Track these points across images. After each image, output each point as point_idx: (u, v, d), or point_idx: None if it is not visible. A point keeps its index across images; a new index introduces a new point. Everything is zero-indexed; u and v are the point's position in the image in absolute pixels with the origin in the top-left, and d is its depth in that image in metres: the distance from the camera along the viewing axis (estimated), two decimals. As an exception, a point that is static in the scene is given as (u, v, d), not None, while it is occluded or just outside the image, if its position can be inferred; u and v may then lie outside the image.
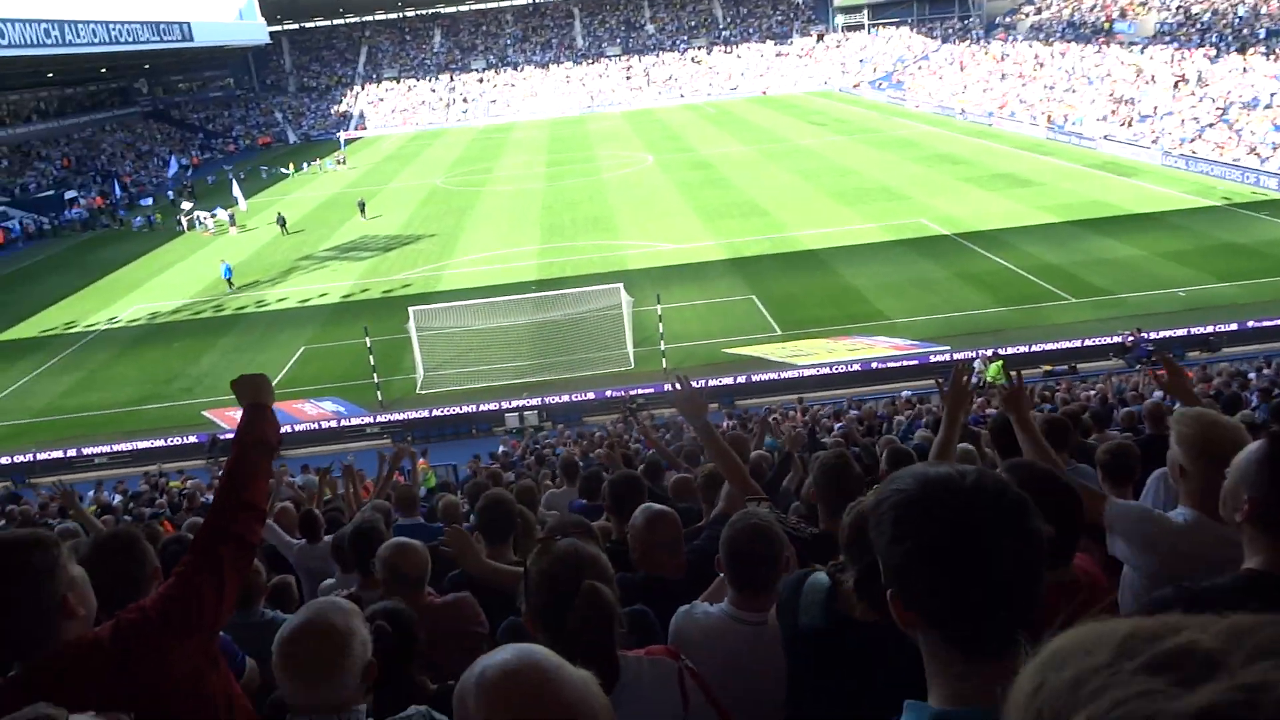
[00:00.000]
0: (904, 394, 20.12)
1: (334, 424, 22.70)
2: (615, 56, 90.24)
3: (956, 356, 21.95)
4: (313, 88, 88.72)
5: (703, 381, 22.54)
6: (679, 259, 31.76)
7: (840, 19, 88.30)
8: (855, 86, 77.19)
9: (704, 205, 39.42)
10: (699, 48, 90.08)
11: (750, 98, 78.89)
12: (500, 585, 3.88)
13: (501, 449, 18.06)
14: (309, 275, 34.48)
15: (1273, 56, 43.02)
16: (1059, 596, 2.37)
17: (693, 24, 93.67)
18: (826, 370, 22.71)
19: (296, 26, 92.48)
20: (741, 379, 22.62)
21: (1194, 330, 22.44)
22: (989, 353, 21.29)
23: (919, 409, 16.74)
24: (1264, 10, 48.31)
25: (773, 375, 22.71)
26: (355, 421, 22.74)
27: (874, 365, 22.74)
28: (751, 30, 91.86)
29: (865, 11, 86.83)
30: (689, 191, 42.56)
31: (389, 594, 3.79)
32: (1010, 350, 21.96)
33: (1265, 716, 0.38)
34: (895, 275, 28.02)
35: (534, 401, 22.82)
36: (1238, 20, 49.30)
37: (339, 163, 61.07)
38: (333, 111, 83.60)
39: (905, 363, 22.72)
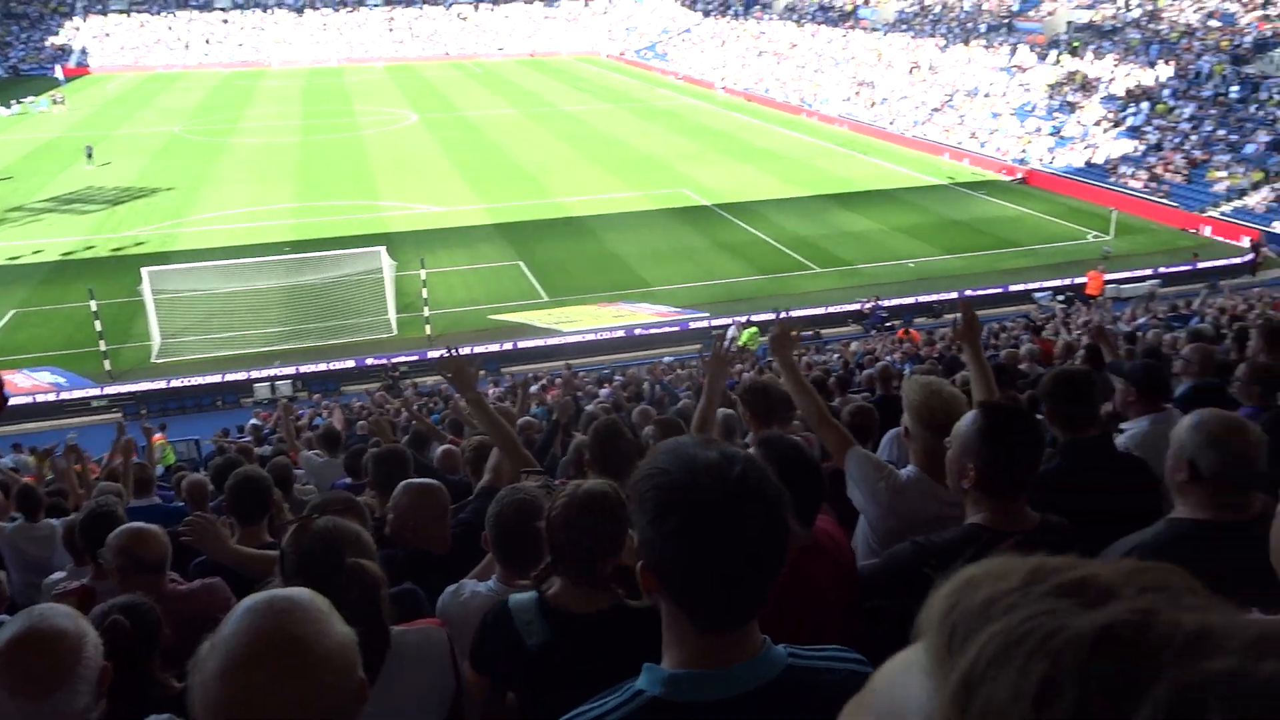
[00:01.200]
0: (665, 359, 20.80)
1: (52, 397, 20.42)
2: (376, 6, 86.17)
3: (715, 323, 22.97)
4: (22, 15, 78.38)
5: (469, 349, 22.27)
6: (444, 222, 31.01)
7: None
8: (621, 54, 78.18)
9: (470, 167, 38.67)
10: (465, 3, 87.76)
11: (517, 59, 77.98)
12: (251, 571, 3.65)
13: (253, 422, 16.97)
14: (20, 229, 30.65)
15: (992, 49, 47.72)
16: (805, 557, 2.54)
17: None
18: (593, 337, 23.06)
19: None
20: (508, 346, 22.51)
21: (920, 299, 24.66)
22: (744, 319, 22.39)
23: (678, 374, 17.37)
24: (985, 6, 53.43)
25: (540, 342, 22.77)
26: (78, 394, 20.56)
27: (637, 332, 23.33)
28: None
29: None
30: (454, 153, 41.58)
31: (125, 585, 3.46)
32: (762, 317, 23.16)
33: (1155, 634, 0.43)
34: (658, 244, 28.81)
35: (287, 370, 21.60)
36: (963, 14, 54.23)
37: (55, 103, 54.54)
38: (48, 44, 74.37)
39: (667, 329, 23.47)
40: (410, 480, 3.76)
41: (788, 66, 59.01)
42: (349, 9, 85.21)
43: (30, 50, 73.32)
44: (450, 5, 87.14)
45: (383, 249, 24.04)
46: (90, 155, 39.05)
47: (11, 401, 16.52)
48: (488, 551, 3.44)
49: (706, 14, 79.87)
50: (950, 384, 3.42)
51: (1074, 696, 0.43)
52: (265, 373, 21.46)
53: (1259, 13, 38.26)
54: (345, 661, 1.34)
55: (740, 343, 20.54)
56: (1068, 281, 25.15)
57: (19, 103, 53.91)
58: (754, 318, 22.66)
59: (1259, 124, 32.44)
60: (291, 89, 61.89)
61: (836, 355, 18.42)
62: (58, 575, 5.21)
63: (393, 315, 23.54)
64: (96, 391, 20.58)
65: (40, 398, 20.27)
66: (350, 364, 21.94)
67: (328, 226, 30.31)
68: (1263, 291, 21.56)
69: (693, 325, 23.41)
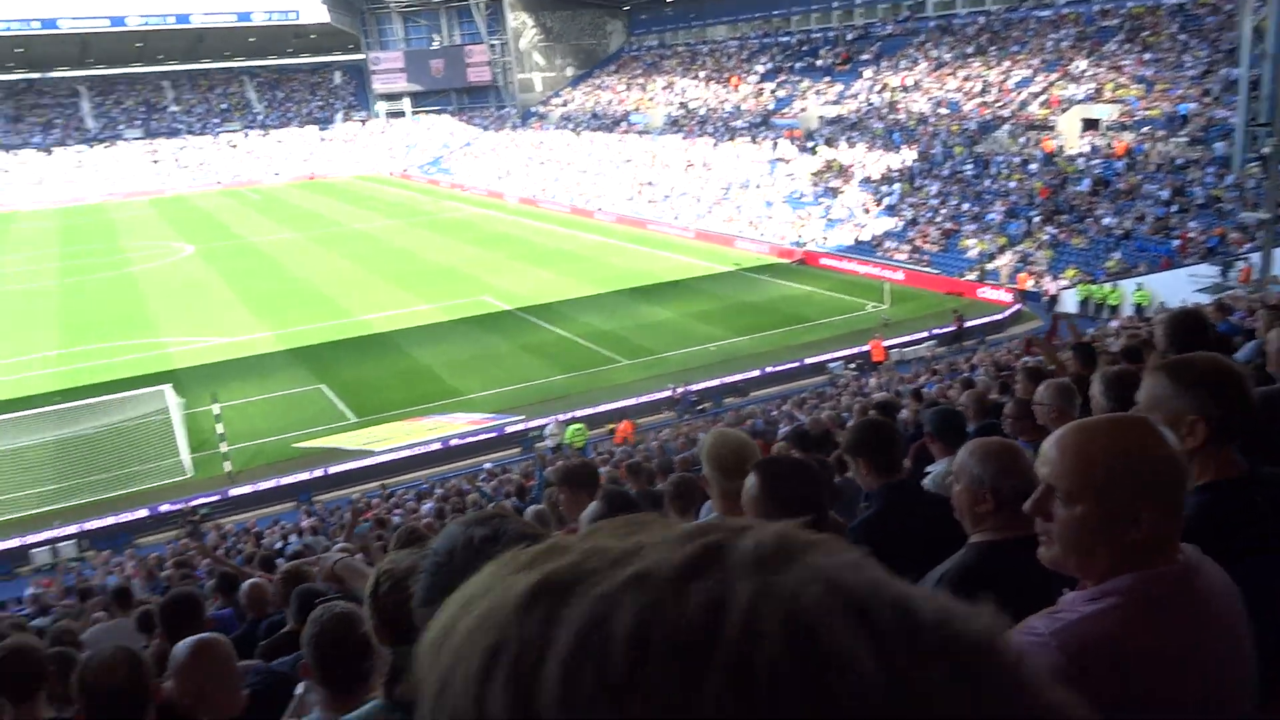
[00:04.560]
0: (485, 466, 20.47)
1: None
2: (135, 139, 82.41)
3: (530, 424, 22.88)
4: None
5: (275, 481, 21.10)
6: (234, 353, 29.47)
7: (382, 105, 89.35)
8: (404, 171, 78.32)
9: (256, 294, 37.16)
10: (234, 131, 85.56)
11: (296, 182, 76.48)
12: None
13: (30, 591, 15.18)
14: None
15: (757, 145, 51.25)
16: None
17: (224, 107, 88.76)
18: (408, 452, 22.35)
19: None
20: (319, 473, 21.47)
21: (726, 380, 25.58)
22: (564, 417, 22.41)
23: (500, 480, 17.11)
24: (744, 108, 57.54)
25: (352, 465, 21.85)
26: None
27: (454, 442, 22.84)
28: (291, 115, 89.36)
29: (406, 100, 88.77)
30: (238, 281, 39.90)
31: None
32: (580, 413, 23.28)
33: (591, 566, 0.44)
34: (464, 352, 28.56)
35: (70, 529, 19.58)
36: (725, 115, 58.13)
37: None
38: None
39: (484, 436, 23.13)
40: (188, 638, 3.30)
41: (570, 171, 60.97)
42: (105, 144, 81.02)
43: None
44: (218, 134, 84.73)
45: (168, 387, 22.57)
46: None
47: None
48: (298, 690, 3.20)
49: (485, 128, 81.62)
50: (740, 432, 3.65)
51: (511, 652, 0.43)
52: (43, 535, 19.34)
53: (978, 100, 43.26)
54: None
55: (565, 439, 20.70)
56: (855, 350, 26.82)
57: None
58: (577, 414, 22.73)
59: (995, 195, 36.31)
60: (47, 231, 57.82)
61: (655, 444, 18.75)
62: None
63: (186, 456, 21.94)
64: None
65: None
66: (144, 513, 20.17)
67: (102, 370, 28.08)
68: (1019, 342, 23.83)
69: (509, 429, 23.20)
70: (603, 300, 33.86)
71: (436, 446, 22.63)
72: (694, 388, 24.86)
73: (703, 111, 60.77)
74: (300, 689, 3.19)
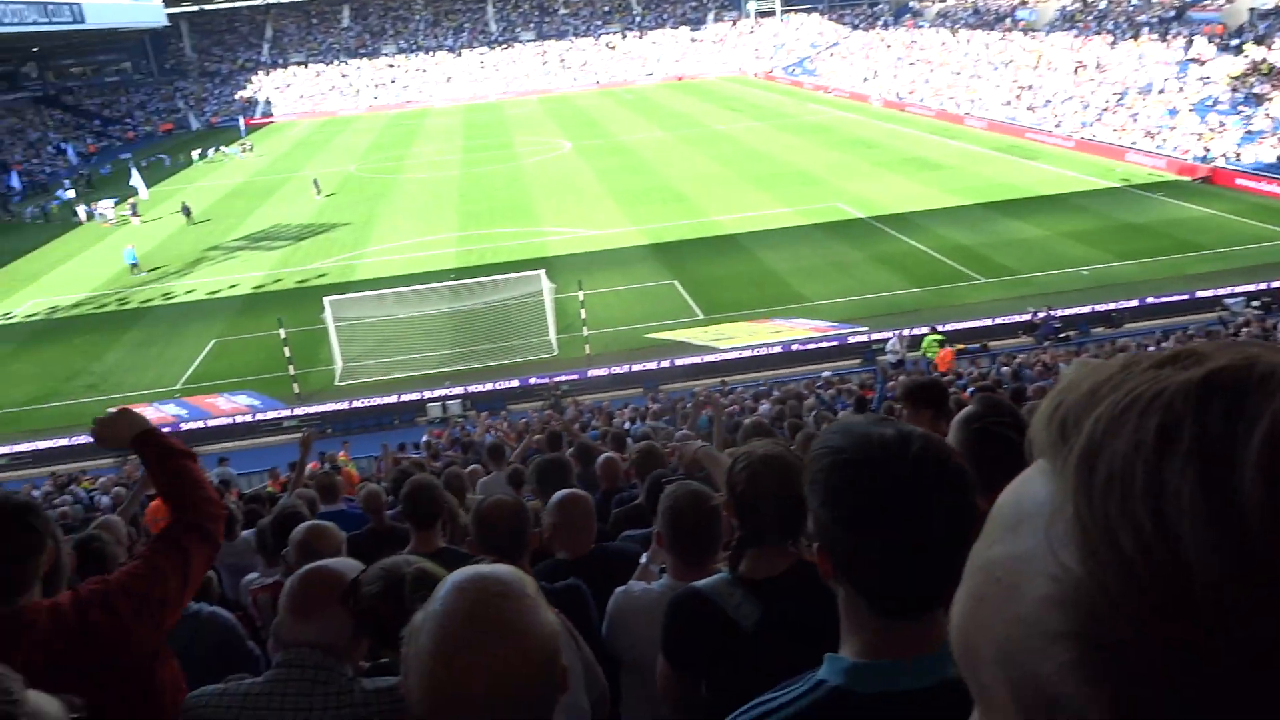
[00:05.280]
0: (824, 374, 20.51)
1: (248, 418, 22.06)
2: (529, 41, 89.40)
3: (874, 336, 22.49)
4: (215, 72, 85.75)
5: (626, 367, 22.68)
6: (600, 245, 31.70)
7: (753, 5, 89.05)
8: (768, 73, 77.98)
9: (623, 191, 39.41)
10: (613, 33, 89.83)
11: (666, 83, 79.02)
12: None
13: (425, 438, 17.79)
14: (218, 266, 33.37)
15: (1165, 43, 44.87)
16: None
17: (606, 9, 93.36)
18: (749, 353, 22.96)
19: (196, 9, 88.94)
20: (665, 363, 22.73)
21: (1097, 307, 23.33)
22: (908, 331, 21.79)
23: (839, 389, 17.08)
24: None
25: (696, 359, 22.88)
26: (271, 415, 22.14)
27: (794, 347, 23.08)
28: (665, 16, 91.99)
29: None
30: (607, 177, 42.48)
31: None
32: (926, 330, 22.48)
33: (1259, 371, 0.48)
34: (812, 258, 28.46)
35: (456, 390, 22.56)
36: (1132, 7, 51.29)
37: (245, 150, 59.17)
38: (237, 97, 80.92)
39: (825, 344, 23.12)
40: (565, 489, 3.93)
41: (942, 74, 57.33)
42: (504, 46, 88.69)
43: (222, 104, 79.98)
44: (599, 36, 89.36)
45: (542, 272, 24.79)
46: (317, 188, 42.98)
47: (212, 423, 17.62)
48: (643, 559, 3.51)
49: (855, 27, 78.70)
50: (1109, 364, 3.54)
51: (1193, 433, 0.47)
52: (437, 393, 22.49)
53: None
54: (554, 647, 1.35)
55: (921, 350, 20.36)
56: (1263, 285, 23.22)
57: (218, 150, 58.98)
58: (939, 327, 22.05)
59: None
60: (453, 125, 64.89)
61: (1006, 368, 17.70)
62: (251, 576, 5.66)
63: (553, 336, 24.20)
64: (287, 412, 22.10)
65: (239, 419, 21.97)
66: (515, 383, 22.70)
67: (490, 253, 31.55)
68: None
69: (851, 339, 22.98)
70: (964, 213, 31.96)
71: (777, 350, 23.02)
72: (1058, 313, 22.96)
73: (1103, 4, 54.08)
74: (644, 558, 3.52)
